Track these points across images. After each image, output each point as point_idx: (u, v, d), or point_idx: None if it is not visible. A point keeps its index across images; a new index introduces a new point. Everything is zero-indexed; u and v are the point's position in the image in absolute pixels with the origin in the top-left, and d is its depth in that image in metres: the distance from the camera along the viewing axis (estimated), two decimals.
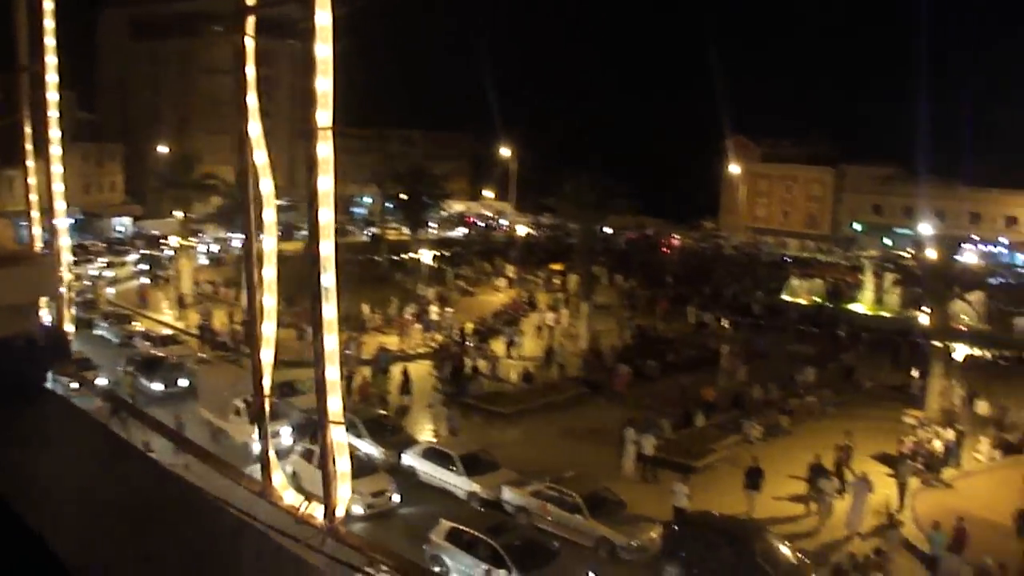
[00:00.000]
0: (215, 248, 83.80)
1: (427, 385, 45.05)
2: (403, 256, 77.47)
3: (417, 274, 70.80)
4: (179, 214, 76.08)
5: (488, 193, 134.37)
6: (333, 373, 5.29)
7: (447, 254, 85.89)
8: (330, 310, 5.04)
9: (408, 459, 34.27)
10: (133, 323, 55.52)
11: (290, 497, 5.70)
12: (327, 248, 5.21)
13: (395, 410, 41.23)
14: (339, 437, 5.26)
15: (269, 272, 5.60)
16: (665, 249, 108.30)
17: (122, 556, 6.55)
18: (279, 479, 5.84)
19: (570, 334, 57.89)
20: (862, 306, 67.39)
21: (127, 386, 41.42)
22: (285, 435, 34.50)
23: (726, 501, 32.05)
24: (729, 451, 38.54)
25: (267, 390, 5.72)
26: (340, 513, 5.13)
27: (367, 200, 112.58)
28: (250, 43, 7.33)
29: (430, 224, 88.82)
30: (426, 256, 72.63)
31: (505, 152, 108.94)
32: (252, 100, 6.89)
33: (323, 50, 5.62)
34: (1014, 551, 28.13)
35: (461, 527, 26.71)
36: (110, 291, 67.65)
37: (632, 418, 38.23)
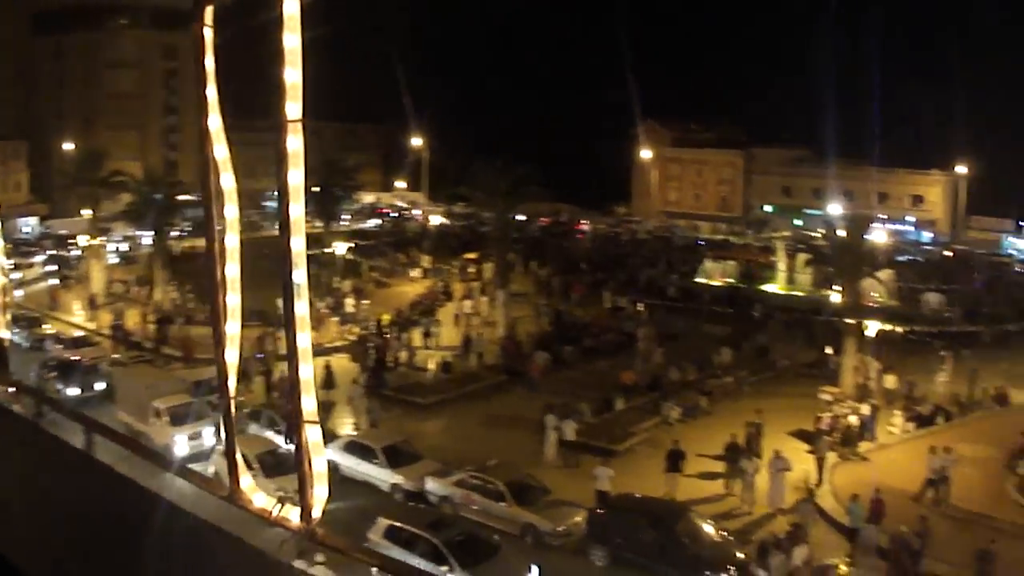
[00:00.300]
0: (125, 247, 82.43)
1: (347, 378, 44.82)
2: (316, 249, 76.88)
3: (331, 267, 70.28)
4: (87, 213, 74.48)
5: (400, 184, 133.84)
6: (307, 371, 5.12)
7: (361, 246, 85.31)
8: (302, 306, 4.87)
9: (329, 453, 33.89)
10: (43, 326, 54.39)
11: (260, 500, 5.49)
12: (298, 244, 5.03)
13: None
14: (315, 437, 5.09)
15: (232, 270, 5.32)
16: (580, 235, 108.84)
17: (82, 566, 6.34)
18: (247, 482, 5.61)
19: (487, 322, 57.96)
20: (775, 286, 68.47)
21: (51, 392, 40.53)
22: (207, 435, 34.17)
23: (648, 483, 32.38)
24: (649, 433, 39.04)
25: (232, 391, 5.49)
26: (317, 514, 4.97)
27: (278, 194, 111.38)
28: (208, 34, 6.88)
29: (343, 216, 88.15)
30: (340, 248, 72.08)
31: (417, 142, 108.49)
32: (212, 93, 6.50)
33: (291, 40, 5.38)
34: (927, 519, 28.88)
35: (400, 524, 26.39)
36: (18, 293, 66.05)
37: (552, 404, 38.40)
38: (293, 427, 5.47)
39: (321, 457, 5.41)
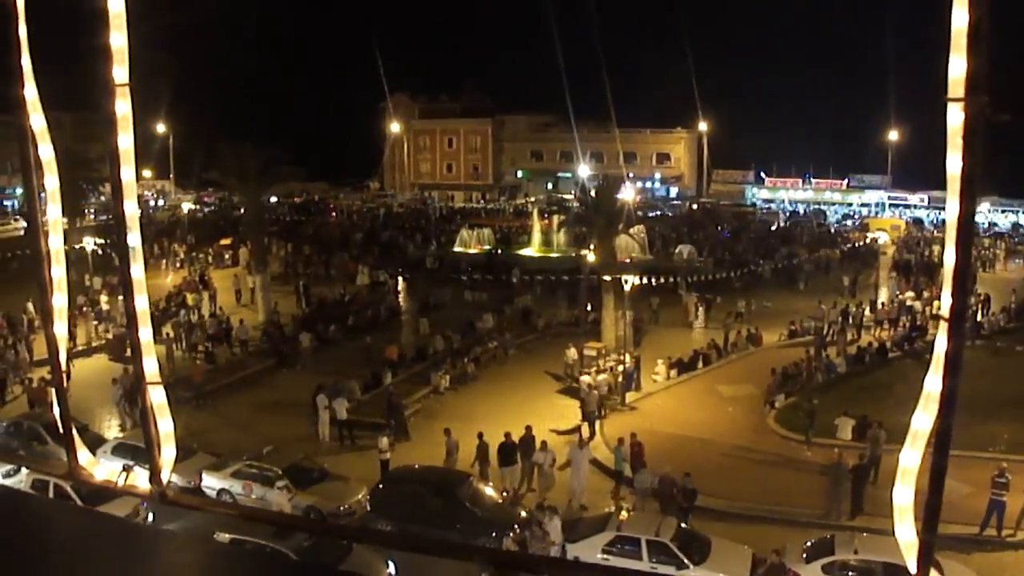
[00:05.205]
0: None
1: (106, 379, 42.27)
2: (65, 247, 72.93)
3: (81, 264, 66.93)
4: None
5: (147, 172, 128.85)
6: (146, 334, 4.77)
7: (110, 240, 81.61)
8: (137, 270, 4.51)
9: (98, 458, 32.22)
10: None
11: (102, 472, 5.03)
12: (131, 207, 4.62)
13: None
14: (159, 398, 4.77)
15: (56, 242, 4.86)
16: (333, 213, 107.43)
17: None
18: (85, 457, 5.15)
19: (248, 308, 56.46)
20: (531, 249, 69.47)
21: None
22: None
23: (427, 452, 32.31)
24: (421, 404, 38.92)
25: (64, 365, 4.98)
26: (167, 476, 4.59)
27: (17, 191, 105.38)
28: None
29: (88, 211, 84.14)
30: (89, 244, 68.61)
31: (160, 128, 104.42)
32: (31, 91, 5.66)
33: (116, 3, 4.92)
34: (697, 458, 29.90)
35: (242, 538, 24.69)
36: None
37: (321, 384, 37.70)
38: (134, 391, 5.15)
39: (167, 419, 5.08)
